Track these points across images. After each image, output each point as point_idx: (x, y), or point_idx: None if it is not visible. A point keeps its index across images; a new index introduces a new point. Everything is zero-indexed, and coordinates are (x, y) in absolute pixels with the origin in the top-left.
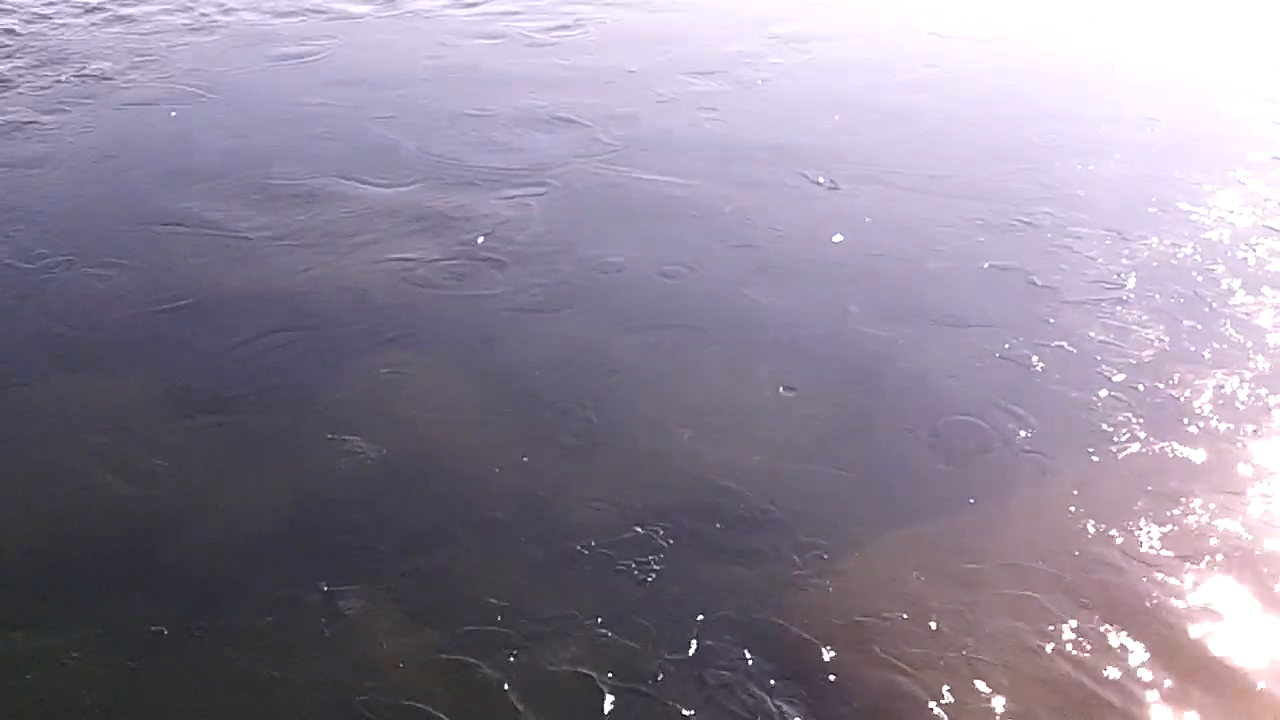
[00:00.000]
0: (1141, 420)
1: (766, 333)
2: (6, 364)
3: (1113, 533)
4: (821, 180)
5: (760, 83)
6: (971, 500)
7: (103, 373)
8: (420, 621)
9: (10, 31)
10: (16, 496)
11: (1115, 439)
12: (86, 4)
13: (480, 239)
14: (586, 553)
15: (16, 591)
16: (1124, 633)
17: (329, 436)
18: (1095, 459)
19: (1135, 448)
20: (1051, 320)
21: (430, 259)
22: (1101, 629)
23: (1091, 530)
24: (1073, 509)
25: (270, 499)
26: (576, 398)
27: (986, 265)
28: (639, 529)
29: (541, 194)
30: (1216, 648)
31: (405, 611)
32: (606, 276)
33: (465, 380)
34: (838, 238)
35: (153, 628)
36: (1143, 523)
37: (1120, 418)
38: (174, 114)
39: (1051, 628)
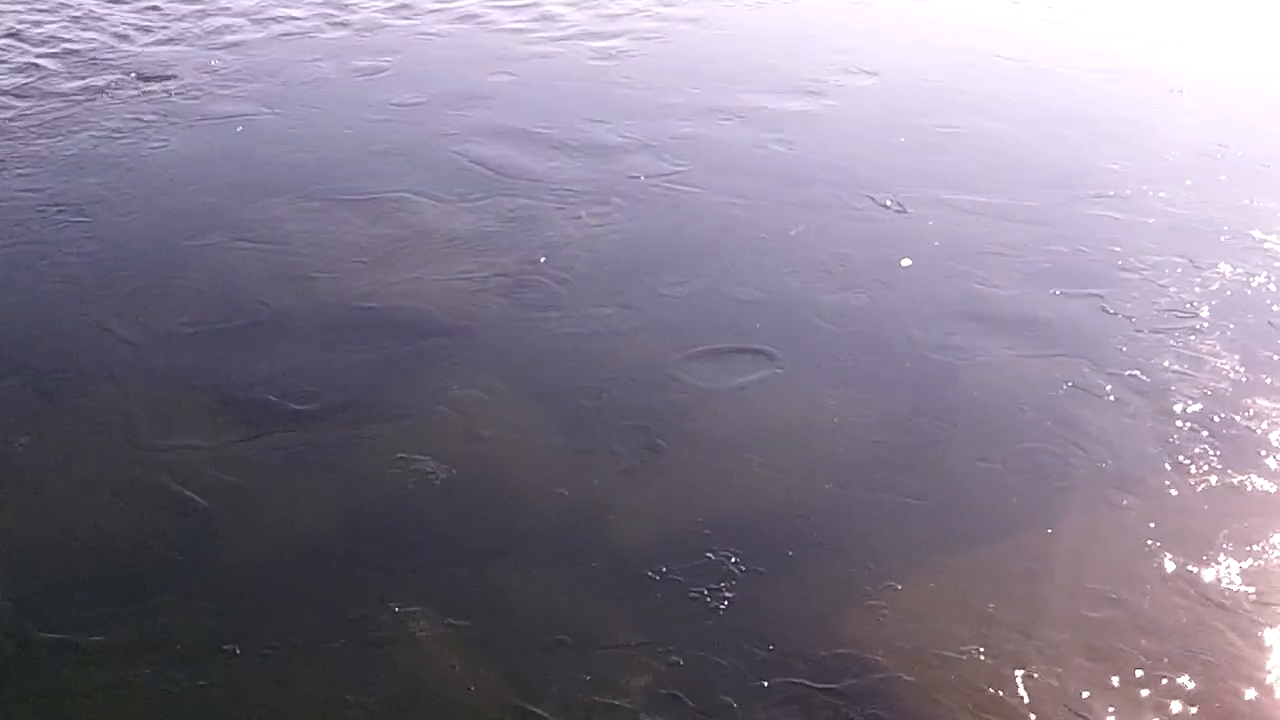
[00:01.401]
0: (1219, 453)
1: (836, 358)
2: (70, 375)
3: (1192, 568)
4: (888, 203)
5: (823, 104)
6: (1048, 531)
7: (170, 387)
8: (491, 645)
9: (82, 45)
10: (81, 508)
11: (1192, 472)
12: (152, 21)
13: (545, 258)
14: (657, 579)
15: (83, 605)
16: (1205, 673)
17: (398, 455)
18: (1172, 492)
19: (1212, 480)
20: (1124, 349)
21: (495, 277)
22: (1181, 667)
23: (1170, 567)
24: (1150, 544)
25: (339, 517)
26: (643, 421)
27: (1057, 292)
28: (710, 555)
29: (605, 213)
30: None
31: (476, 635)
32: (672, 298)
33: (532, 401)
34: (906, 262)
35: (224, 646)
36: (1222, 558)
37: (1196, 450)
38: (239, 129)
39: (1130, 666)
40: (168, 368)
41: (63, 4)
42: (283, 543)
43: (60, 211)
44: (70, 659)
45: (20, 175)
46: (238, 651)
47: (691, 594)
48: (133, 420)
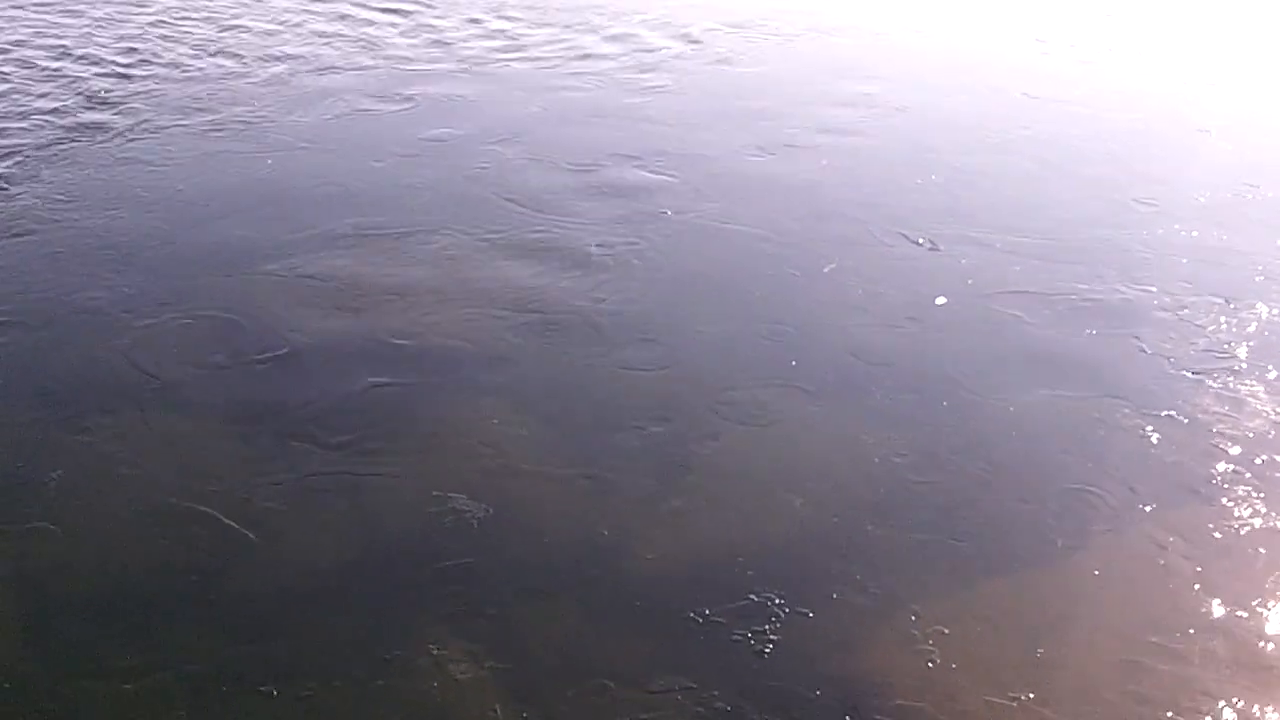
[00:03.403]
0: (1262, 496)
1: (874, 397)
2: (102, 407)
3: (1240, 613)
4: (921, 241)
5: (853, 141)
6: (1095, 573)
7: (201, 420)
8: (534, 689)
9: (122, 77)
10: (114, 541)
11: (1235, 514)
12: (188, 55)
13: (575, 292)
14: (700, 620)
15: (115, 641)
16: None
17: (433, 493)
18: (1216, 535)
19: (1256, 524)
20: (1163, 390)
21: (528, 312)
22: (1236, 708)
23: (1218, 612)
24: (1196, 588)
25: (375, 554)
26: (683, 460)
27: (1094, 331)
28: (752, 596)
29: (637, 250)
30: None
31: (518, 678)
32: (706, 334)
33: (568, 439)
34: (941, 300)
35: (262, 687)
36: (1271, 603)
37: (1239, 492)
38: (270, 162)
39: (1181, 713)
40: (199, 401)
41: (109, 43)
42: (318, 579)
43: (92, 245)
44: (103, 699)
45: (54, 208)
46: (275, 693)
47: (735, 636)
48: (165, 453)
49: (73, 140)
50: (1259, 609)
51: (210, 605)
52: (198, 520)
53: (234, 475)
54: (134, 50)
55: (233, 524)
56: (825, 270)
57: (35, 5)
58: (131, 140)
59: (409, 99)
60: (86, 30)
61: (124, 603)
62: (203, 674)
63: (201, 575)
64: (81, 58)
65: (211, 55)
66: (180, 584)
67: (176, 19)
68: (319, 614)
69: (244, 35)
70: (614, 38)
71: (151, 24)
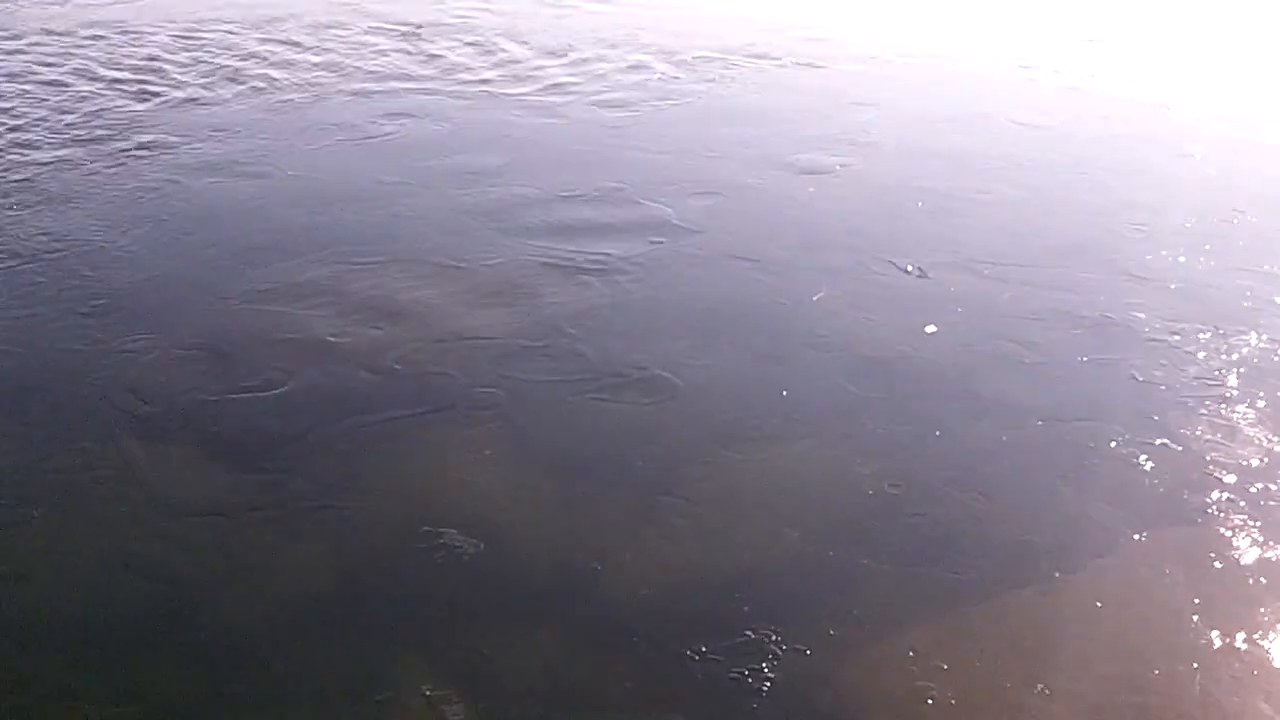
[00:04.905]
0: (1258, 525)
1: (867, 428)
2: (84, 442)
3: (1239, 645)
4: (910, 269)
5: (839, 169)
6: (1097, 605)
7: (186, 455)
8: None
9: (96, 106)
10: (100, 585)
11: (1233, 545)
12: (169, 82)
13: (563, 323)
14: (697, 658)
15: (101, 681)
16: None
17: (423, 528)
18: (1216, 565)
19: (1254, 553)
20: (1156, 418)
21: (513, 343)
22: None
23: (1218, 643)
24: (1195, 619)
25: (365, 594)
26: (675, 492)
27: (1085, 359)
28: (749, 633)
29: (623, 281)
30: None
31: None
32: (695, 365)
33: (557, 472)
34: (930, 328)
35: None
36: (1272, 634)
37: (1236, 521)
38: (251, 190)
39: None
40: (183, 435)
41: (98, 69)
42: (306, 617)
43: (73, 275)
44: None
45: (39, 235)
46: None
47: (732, 674)
48: (148, 487)
49: (53, 170)
50: (1260, 640)
51: (195, 645)
52: (182, 557)
53: (218, 511)
54: (117, 81)
55: (218, 561)
56: (815, 299)
57: (12, 36)
58: (110, 168)
59: (391, 127)
60: (76, 61)
61: (107, 641)
62: (187, 717)
63: (187, 614)
64: (68, 87)
65: (193, 86)
66: (164, 623)
67: (156, 50)
68: (306, 654)
69: (219, 65)
70: (603, 66)
71: (132, 53)
